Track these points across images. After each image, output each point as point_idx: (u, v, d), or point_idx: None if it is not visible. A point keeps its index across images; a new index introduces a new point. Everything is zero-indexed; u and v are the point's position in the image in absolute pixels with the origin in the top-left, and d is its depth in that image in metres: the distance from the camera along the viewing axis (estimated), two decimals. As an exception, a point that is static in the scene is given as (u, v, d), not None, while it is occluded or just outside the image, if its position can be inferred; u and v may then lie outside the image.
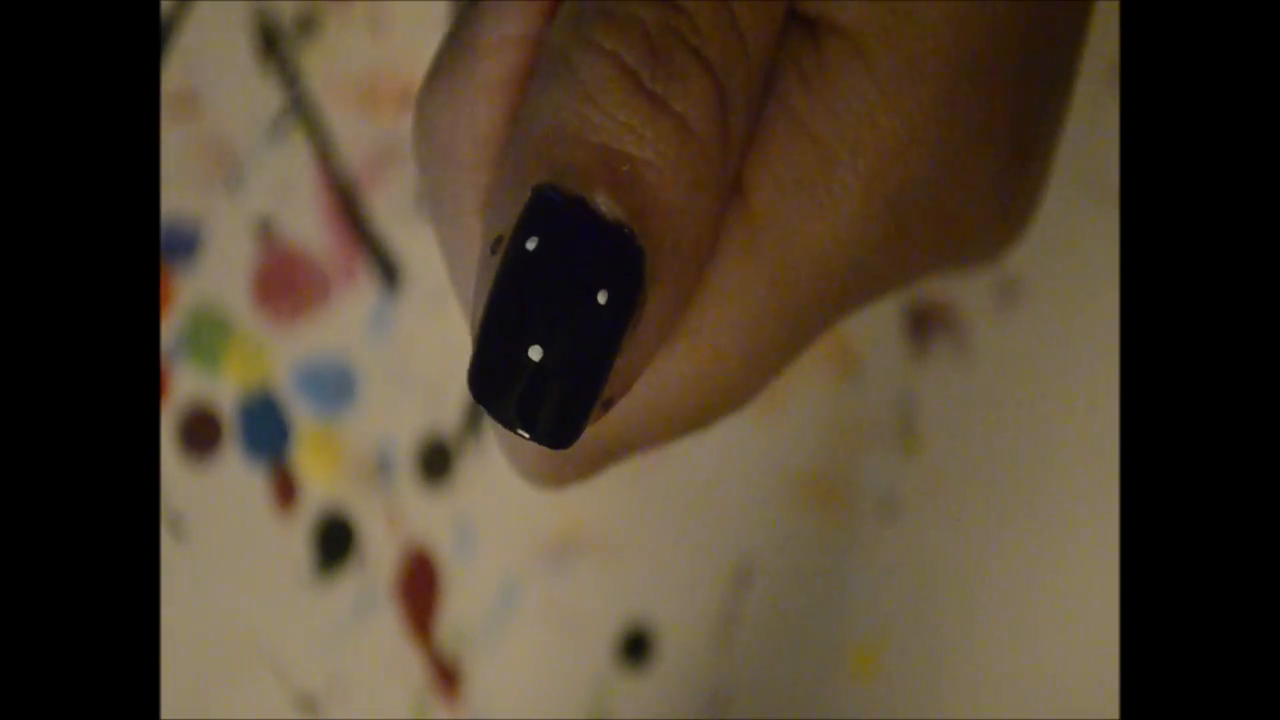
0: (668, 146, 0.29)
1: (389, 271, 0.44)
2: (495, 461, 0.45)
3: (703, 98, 0.29)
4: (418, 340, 0.44)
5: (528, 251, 0.29)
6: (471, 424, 0.45)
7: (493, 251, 0.29)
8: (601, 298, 0.28)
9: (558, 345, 0.28)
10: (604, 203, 0.29)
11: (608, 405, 0.30)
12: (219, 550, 0.43)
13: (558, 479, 0.33)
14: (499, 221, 0.29)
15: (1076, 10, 0.32)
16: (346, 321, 0.44)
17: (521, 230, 0.29)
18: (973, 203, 0.32)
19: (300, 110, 0.43)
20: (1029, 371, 0.48)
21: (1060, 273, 0.48)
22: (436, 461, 0.45)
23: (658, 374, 0.31)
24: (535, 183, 0.29)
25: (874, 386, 0.48)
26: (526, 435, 0.29)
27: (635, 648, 0.46)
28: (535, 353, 0.28)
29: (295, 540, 0.44)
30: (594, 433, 0.30)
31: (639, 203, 0.29)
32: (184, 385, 0.43)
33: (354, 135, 0.44)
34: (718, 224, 0.30)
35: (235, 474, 0.43)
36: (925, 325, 0.48)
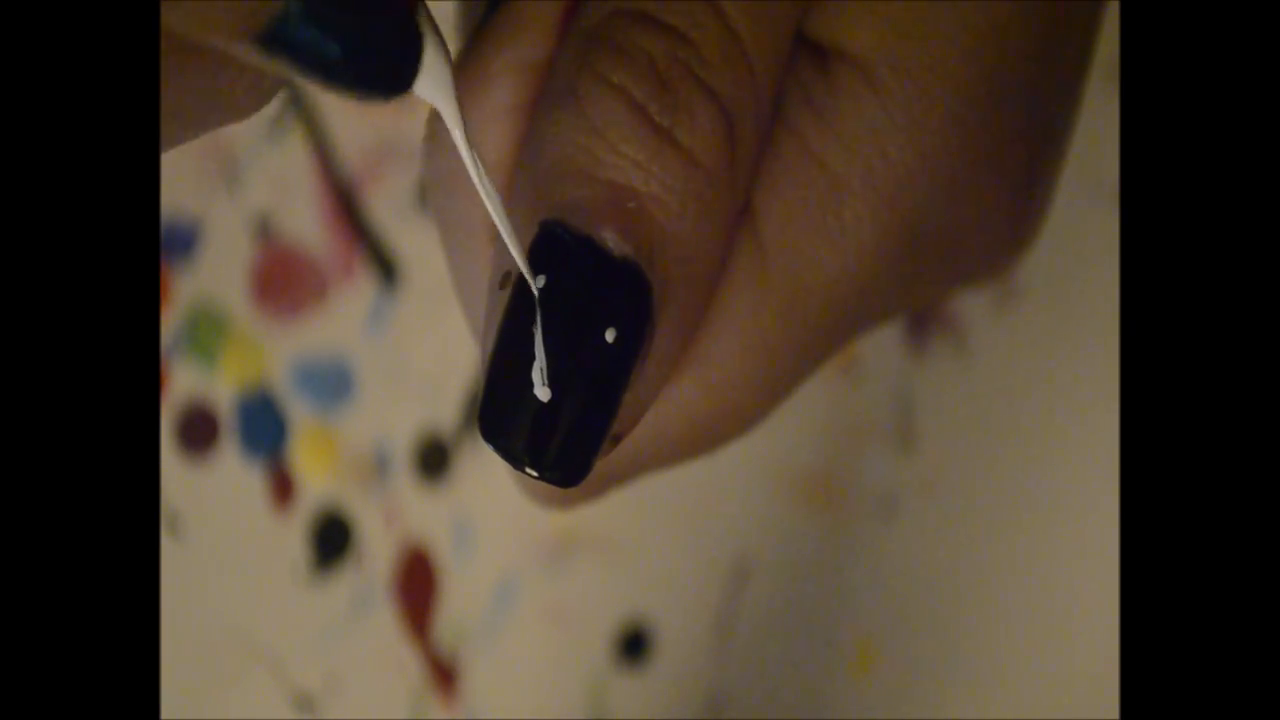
0: (675, 181, 0.29)
1: (387, 269, 0.44)
2: (493, 460, 0.45)
3: (710, 130, 0.29)
4: (416, 338, 0.44)
5: (535, 290, 0.29)
6: (469, 422, 0.45)
7: (501, 286, 0.29)
8: (610, 335, 0.28)
9: (566, 385, 0.28)
10: (611, 240, 0.29)
11: (616, 440, 0.30)
12: (216, 548, 0.43)
13: (565, 501, 0.33)
14: (508, 257, 0.29)
15: (1083, 35, 0.32)
16: (344, 319, 0.44)
17: (529, 268, 0.29)
18: (983, 227, 0.32)
19: (299, 108, 0.43)
20: (1028, 371, 0.48)
21: (1060, 273, 0.48)
22: (434, 459, 0.45)
23: (666, 401, 0.31)
24: (542, 219, 0.29)
25: (873, 385, 0.48)
26: (535, 475, 0.29)
27: (633, 646, 0.46)
28: (543, 393, 0.28)
29: (292, 538, 0.44)
30: (602, 461, 0.30)
31: (647, 238, 0.29)
32: (182, 383, 0.43)
33: (353, 133, 0.44)
34: (726, 254, 0.30)
35: (232, 472, 0.43)
36: (924, 325, 0.48)
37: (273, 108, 0.43)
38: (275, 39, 0.24)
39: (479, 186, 0.27)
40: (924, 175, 0.31)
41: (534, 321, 0.28)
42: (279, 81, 0.26)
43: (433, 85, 0.26)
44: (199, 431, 0.43)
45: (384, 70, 0.25)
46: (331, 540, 0.44)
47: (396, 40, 0.25)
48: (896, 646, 0.48)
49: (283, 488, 0.44)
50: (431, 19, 0.26)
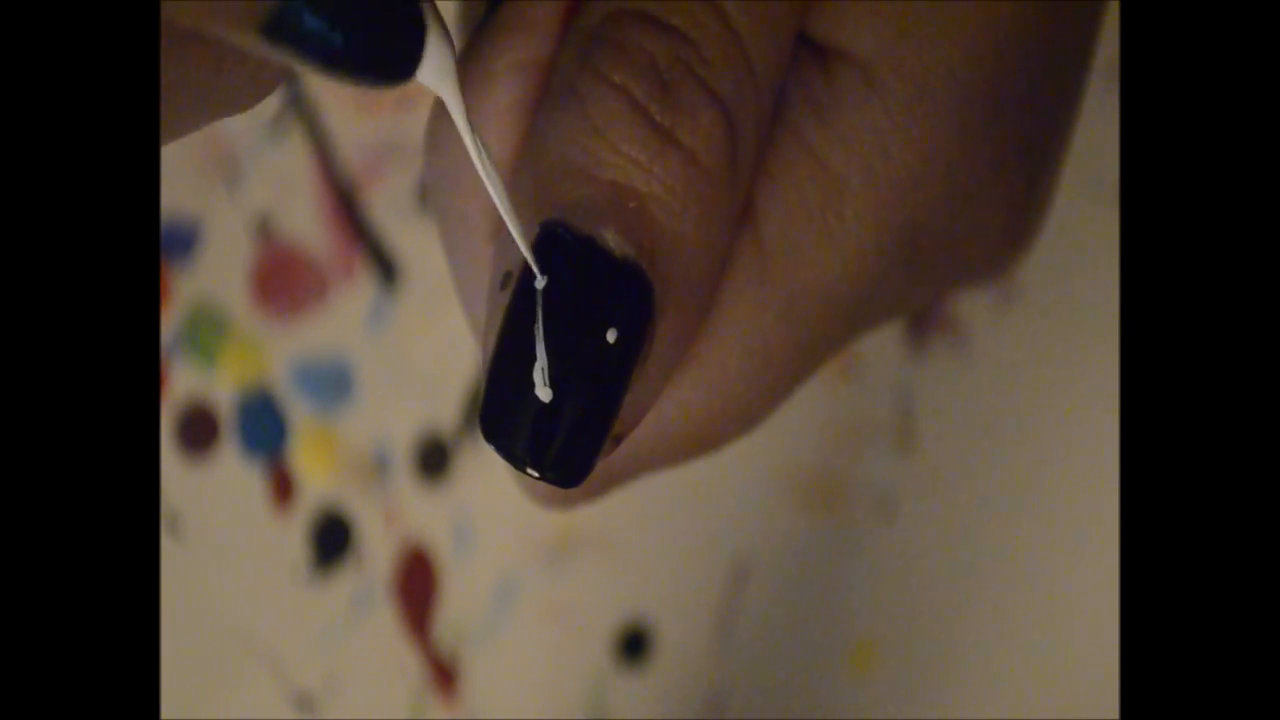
0: (676, 181, 0.29)
1: (387, 269, 0.44)
2: (493, 459, 0.45)
3: (711, 130, 0.29)
4: (416, 338, 0.44)
5: (536, 291, 0.29)
6: (469, 422, 0.45)
7: (502, 287, 0.29)
8: (611, 336, 0.28)
9: (567, 386, 0.28)
10: (613, 239, 0.29)
11: (618, 440, 0.30)
12: (216, 548, 0.43)
13: (565, 501, 0.33)
14: (508, 257, 0.29)
15: (1084, 35, 0.32)
16: (344, 319, 0.44)
17: (530, 268, 0.29)
18: (983, 228, 0.32)
19: (299, 108, 0.43)
20: (1028, 371, 0.48)
21: (1060, 273, 0.48)
22: (434, 459, 0.45)
23: (668, 401, 0.31)
24: (544, 219, 0.29)
25: (873, 386, 0.48)
26: (536, 475, 0.29)
27: (633, 646, 0.46)
28: (544, 394, 0.28)
29: (292, 538, 0.44)
30: (603, 461, 0.30)
31: (648, 238, 0.29)
32: (181, 383, 0.43)
33: (353, 133, 0.44)
34: (727, 254, 0.30)
35: (232, 472, 0.43)
36: (924, 325, 0.48)
37: (273, 107, 0.43)
38: (278, 28, 0.24)
39: (481, 172, 0.27)
40: (925, 175, 0.31)
41: (535, 322, 0.28)
42: (281, 72, 0.26)
43: (436, 72, 0.26)
44: (199, 431, 0.43)
45: (387, 58, 0.25)
46: (331, 540, 0.44)
47: (399, 27, 0.25)
48: (896, 646, 0.48)
49: (283, 488, 0.44)
50: (434, 5, 0.26)
